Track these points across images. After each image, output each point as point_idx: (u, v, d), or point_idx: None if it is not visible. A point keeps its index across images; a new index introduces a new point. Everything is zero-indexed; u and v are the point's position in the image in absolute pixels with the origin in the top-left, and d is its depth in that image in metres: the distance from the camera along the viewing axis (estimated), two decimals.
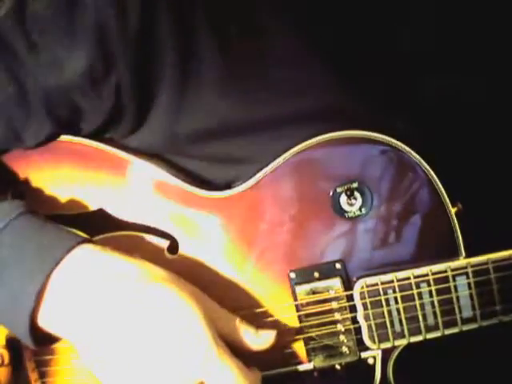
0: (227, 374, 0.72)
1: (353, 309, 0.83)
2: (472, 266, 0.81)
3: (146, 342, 0.71)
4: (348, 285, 0.83)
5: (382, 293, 0.81)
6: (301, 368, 0.84)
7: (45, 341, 0.76)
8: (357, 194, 0.81)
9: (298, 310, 0.83)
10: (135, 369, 0.71)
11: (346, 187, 0.81)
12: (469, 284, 0.81)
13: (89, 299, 0.72)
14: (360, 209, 0.82)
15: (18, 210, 0.76)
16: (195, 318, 0.72)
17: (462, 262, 0.81)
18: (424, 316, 0.81)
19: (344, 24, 0.82)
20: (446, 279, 0.81)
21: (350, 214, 0.82)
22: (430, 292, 0.81)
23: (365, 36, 0.83)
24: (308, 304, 0.83)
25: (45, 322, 0.73)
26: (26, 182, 0.85)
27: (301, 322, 0.83)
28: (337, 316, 0.83)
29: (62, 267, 0.73)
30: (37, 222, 0.76)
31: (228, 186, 0.85)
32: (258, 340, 0.79)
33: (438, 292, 0.81)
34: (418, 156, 0.81)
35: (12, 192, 0.82)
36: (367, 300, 0.82)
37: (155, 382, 0.71)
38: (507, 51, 0.87)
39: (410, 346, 0.83)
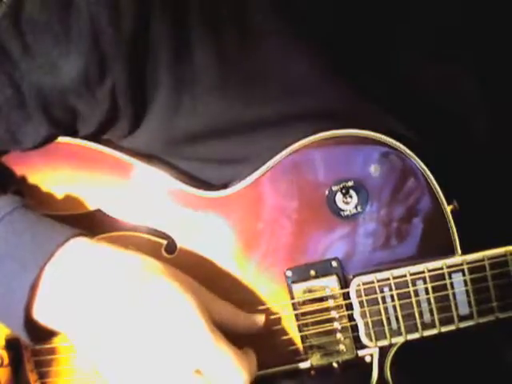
0: (224, 360, 0.72)
1: (349, 307, 0.83)
2: (468, 263, 0.81)
3: (141, 332, 0.72)
4: (344, 283, 0.83)
5: (378, 290, 0.82)
6: (298, 366, 0.84)
7: (41, 336, 0.76)
8: (352, 192, 0.82)
9: (294, 309, 0.84)
10: (132, 358, 0.72)
11: (341, 186, 0.82)
12: (465, 281, 0.81)
13: (83, 291, 0.73)
14: (356, 207, 0.82)
15: (14, 204, 0.77)
16: (190, 307, 0.73)
17: (457, 259, 0.81)
18: (420, 313, 0.81)
19: (343, 23, 0.82)
20: (441, 276, 0.81)
21: (346, 213, 0.82)
22: (426, 289, 0.81)
23: (364, 35, 0.83)
24: (305, 302, 0.83)
25: (40, 314, 0.74)
26: (25, 183, 0.86)
27: (298, 320, 0.84)
28: (333, 314, 0.83)
29: (56, 259, 0.73)
30: (32, 216, 0.77)
31: (225, 185, 0.85)
32: (251, 323, 0.81)
33: (434, 289, 0.81)
34: (414, 155, 0.81)
35: (11, 192, 0.83)
36: (363, 298, 0.82)
37: (152, 371, 0.72)
38: (508, 53, 0.88)
39: (407, 343, 0.83)
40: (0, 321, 0.78)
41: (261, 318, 0.82)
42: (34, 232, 0.75)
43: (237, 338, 0.77)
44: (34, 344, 0.77)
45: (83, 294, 0.73)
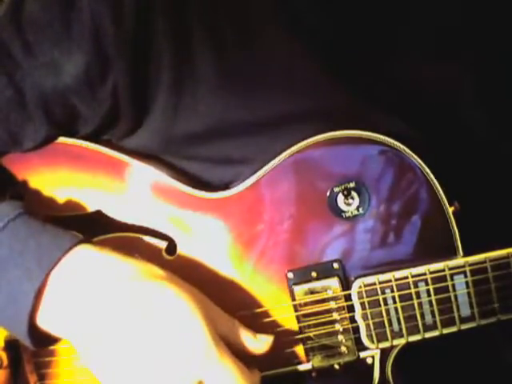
0: (227, 374, 0.72)
1: (351, 308, 0.83)
2: (470, 265, 0.81)
3: (145, 342, 0.71)
4: (346, 284, 0.83)
5: (379, 292, 0.81)
6: (299, 368, 0.84)
7: (44, 342, 0.76)
8: (354, 193, 0.81)
9: (296, 310, 0.83)
10: (134, 368, 0.71)
11: (343, 187, 0.81)
12: (467, 283, 0.81)
13: (88, 298, 0.72)
14: (357, 208, 0.82)
15: (17, 210, 0.76)
16: (195, 317, 0.72)
17: (459, 260, 0.81)
18: (422, 315, 0.81)
19: (344, 24, 0.82)
20: (443, 278, 0.81)
21: (348, 214, 0.82)
22: (428, 291, 0.81)
23: (364, 36, 0.82)
24: (306, 304, 0.83)
25: (44, 321, 0.73)
26: (25, 185, 0.85)
27: (299, 322, 0.83)
28: (335, 316, 0.83)
29: (61, 266, 0.73)
30: (35, 223, 0.76)
31: (226, 186, 0.85)
32: (256, 343, 0.79)
33: (436, 291, 0.81)
34: (415, 156, 0.81)
35: (11, 194, 0.83)
36: (365, 299, 0.82)
37: (154, 382, 0.71)
38: (508, 53, 0.87)
39: (408, 345, 0.83)
40: (3, 327, 0.78)
41: (268, 340, 0.80)
42: (38, 239, 0.74)
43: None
44: (36, 349, 0.77)
45: (87, 303, 0.72)
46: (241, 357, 0.75)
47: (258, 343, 0.79)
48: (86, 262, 0.74)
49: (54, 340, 0.76)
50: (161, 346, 0.71)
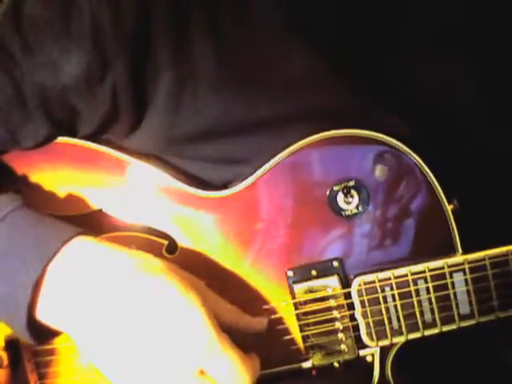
0: (229, 362, 0.72)
1: (350, 306, 0.83)
2: (469, 263, 0.81)
3: (145, 332, 0.71)
4: (346, 282, 0.83)
5: (379, 290, 0.82)
6: (299, 366, 0.84)
7: (44, 336, 0.76)
8: (354, 192, 0.82)
9: (296, 309, 0.84)
10: (135, 358, 0.71)
11: (342, 185, 0.82)
12: (466, 280, 0.81)
13: (86, 290, 0.73)
14: (357, 207, 0.82)
15: (16, 203, 0.76)
16: (195, 307, 0.72)
17: (458, 258, 0.81)
18: (421, 313, 0.81)
19: (344, 24, 0.83)
20: (443, 276, 0.81)
21: (347, 213, 0.82)
22: (428, 289, 0.81)
23: (364, 36, 0.83)
24: (306, 302, 0.83)
25: (43, 313, 0.73)
26: (26, 183, 0.86)
27: (299, 320, 0.84)
28: (335, 314, 0.83)
29: (59, 258, 0.73)
30: (34, 215, 0.76)
31: (225, 186, 0.85)
32: (257, 325, 0.81)
33: (436, 289, 0.81)
34: (415, 155, 0.81)
35: (11, 190, 0.83)
36: (365, 297, 0.82)
37: (156, 371, 0.71)
38: (507, 54, 0.88)
39: (408, 343, 0.83)
40: (3, 320, 0.78)
41: (264, 321, 0.82)
42: (36, 231, 0.74)
43: (239, 338, 0.77)
44: (36, 344, 0.77)
45: (86, 293, 0.73)
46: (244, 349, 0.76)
47: (259, 324, 0.81)
48: (83, 254, 0.74)
49: (53, 334, 0.76)
50: (161, 336, 0.71)
